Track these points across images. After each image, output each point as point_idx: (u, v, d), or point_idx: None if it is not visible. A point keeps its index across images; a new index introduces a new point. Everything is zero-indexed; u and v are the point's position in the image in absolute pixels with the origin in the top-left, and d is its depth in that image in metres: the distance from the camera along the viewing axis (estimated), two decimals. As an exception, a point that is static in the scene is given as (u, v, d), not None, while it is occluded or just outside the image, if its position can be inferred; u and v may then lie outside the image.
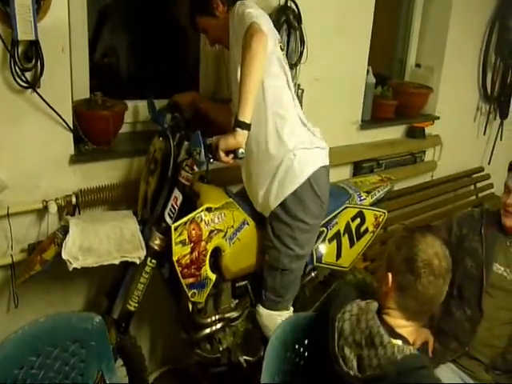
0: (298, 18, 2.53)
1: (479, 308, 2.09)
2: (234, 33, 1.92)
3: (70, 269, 1.71)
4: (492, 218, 2.23)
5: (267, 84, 1.90)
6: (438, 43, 3.71)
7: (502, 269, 2.11)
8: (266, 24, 1.83)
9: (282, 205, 1.98)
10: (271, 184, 1.99)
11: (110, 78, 2.70)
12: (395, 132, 3.56)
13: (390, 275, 1.49)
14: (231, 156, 1.72)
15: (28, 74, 1.85)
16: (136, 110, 2.39)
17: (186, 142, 1.89)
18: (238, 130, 1.69)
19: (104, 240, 1.80)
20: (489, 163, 4.42)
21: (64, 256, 1.70)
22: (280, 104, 1.95)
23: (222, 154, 1.70)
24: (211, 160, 1.74)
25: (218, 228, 1.96)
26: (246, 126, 1.70)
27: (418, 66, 3.82)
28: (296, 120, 2.01)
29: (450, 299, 2.11)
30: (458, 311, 2.14)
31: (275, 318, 2.05)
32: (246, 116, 1.69)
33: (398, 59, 3.91)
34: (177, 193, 1.90)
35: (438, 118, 3.77)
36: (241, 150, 1.70)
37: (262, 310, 2.10)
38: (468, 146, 4.19)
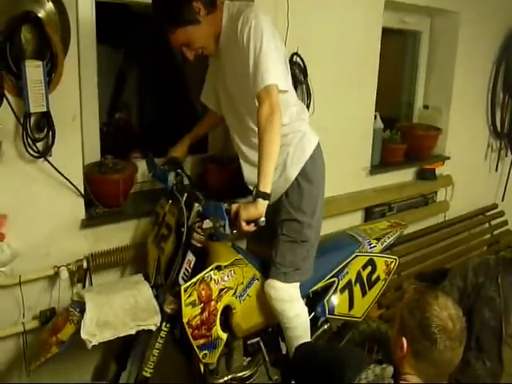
0: (304, 72, 2.57)
1: (499, 360, 2.04)
2: (231, 39, 1.88)
3: (89, 347, 1.70)
4: (509, 266, 2.20)
5: None
6: (444, 84, 3.74)
7: None
8: (275, 52, 1.82)
9: (302, 171, 2.03)
10: (288, 156, 2.02)
11: (121, 137, 2.75)
12: (405, 175, 3.56)
13: (404, 341, 1.47)
14: (252, 225, 1.72)
15: (39, 144, 1.90)
16: (145, 169, 2.41)
17: (196, 204, 1.91)
18: (260, 200, 1.70)
19: (119, 312, 1.79)
20: (502, 200, 4.39)
21: (83, 336, 1.69)
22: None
23: (243, 224, 1.70)
24: (234, 231, 1.73)
25: (227, 286, 1.96)
26: (267, 197, 1.72)
27: (425, 107, 3.84)
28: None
29: (468, 351, 2.06)
30: (477, 363, 2.09)
31: (290, 291, 2.06)
32: (267, 187, 1.72)
33: (406, 101, 3.94)
34: (190, 256, 1.91)
35: (449, 158, 3.76)
36: (262, 219, 1.71)
37: (278, 283, 2.04)
38: (480, 184, 4.18)
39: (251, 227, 1.72)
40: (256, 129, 1.82)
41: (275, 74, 1.77)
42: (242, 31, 1.80)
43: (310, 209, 2.06)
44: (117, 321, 1.77)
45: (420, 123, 3.79)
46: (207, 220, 1.85)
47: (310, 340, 2.15)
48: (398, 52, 3.89)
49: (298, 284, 2.08)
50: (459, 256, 3.70)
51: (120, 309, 1.79)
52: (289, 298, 2.05)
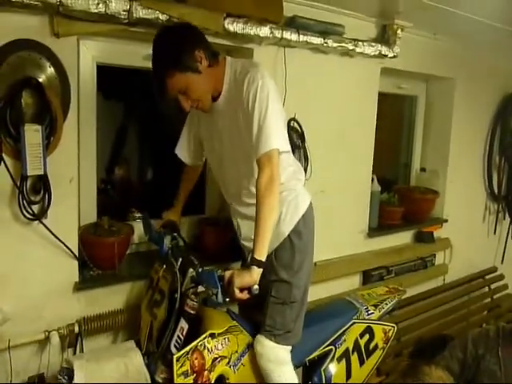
0: (302, 137, 2.61)
1: None
2: (234, 96, 1.87)
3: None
4: (509, 337, 2.15)
5: None
6: (441, 147, 3.79)
7: None
8: (281, 121, 1.85)
9: (294, 228, 2.01)
10: (281, 213, 1.99)
11: (120, 194, 2.76)
12: (403, 238, 3.55)
13: None
14: (245, 292, 1.70)
15: (35, 207, 1.90)
16: (142, 230, 2.39)
17: (190, 269, 1.88)
18: (255, 268, 1.70)
19: (108, 380, 1.74)
20: (502, 262, 4.35)
21: None
22: None
23: (236, 291, 1.68)
24: (227, 300, 1.71)
25: (221, 355, 1.90)
26: (262, 264, 1.71)
27: (423, 169, 3.88)
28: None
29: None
30: None
31: (279, 352, 1.99)
32: (262, 255, 1.71)
33: (403, 163, 3.98)
34: (183, 323, 1.86)
35: (446, 220, 3.77)
36: (255, 287, 1.70)
37: (267, 342, 1.98)
38: (479, 247, 4.15)
39: (244, 295, 1.70)
40: (252, 189, 1.84)
41: (279, 137, 1.79)
42: (248, 90, 1.80)
43: (299, 266, 2.03)
44: (107, 389, 1.72)
45: (417, 186, 3.81)
46: (200, 286, 1.82)
47: None
48: (395, 115, 3.97)
49: (288, 348, 2.02)
50: (459, 320, 3.62)
51: (110, 378, 1.74)
52: (276, 359, 1.98)
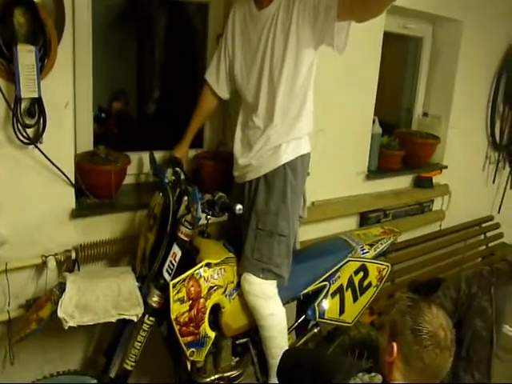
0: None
1: (488, 373, 2.01)
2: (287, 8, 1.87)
3: (66, 327, 1.68)
4: (502, 277, 2.17)
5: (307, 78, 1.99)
6: (445, 92, 3.73)
7: None
8: None
9: (292, 162, 2.02)
10: (282, 143, 2.01)
11: (116, 128, 2.72)
12: (402, 182, 3.54)
13: (394, 345, 1.44)
14: None
15: (30, 131, 1.86)
16: (140, 161, 2.40)
17: (185, 198, 1.89)
18: None
19: (101, 297, 1.76)
20: (498, 212, 4.37)
21: (60, 314, 1.67)
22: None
23: None
24: (209, 216, 1.78)
25: (217, 284, 1.93)
26: None
27: (425, 114, 3.82)
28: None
29: (457, 362, 2.03)
30: (466, 375, 2.06)
31: (266, 287, 2.01)
32: None
33: (405, 108, 3.92)
34: (176, 249, 1.87)
35: (446, 167, 3.75)
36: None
37: (254, 278, 1.99)
38: (477, 195, 4.16)
39: None
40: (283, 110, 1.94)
41: None
42: None
43: (288, 200, 2.02)
44: (98, 305, 1.74)
45: (419, 131, 3.76)
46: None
47: (286, 343, 2.11)
48: (399, 57, 3.87)
49: (274, 282, 2.03)
50: (453, 266, 3.67)
51: (102, 294, 1.76)
52: (263, 295, 2.00)
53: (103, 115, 2.63)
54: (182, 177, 2.13)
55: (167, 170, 2.08)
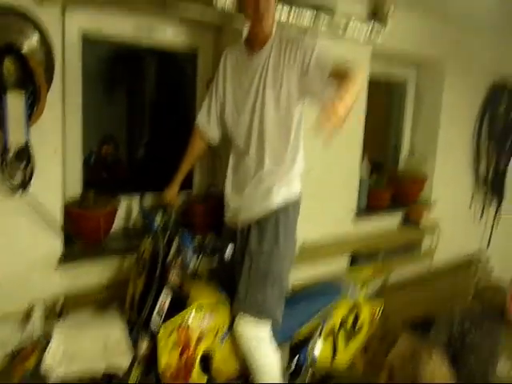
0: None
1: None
2: (278, 55, 1.93)
3: (51, 381, 1.63)
4: (494, 313, 2.17)
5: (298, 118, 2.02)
6: (430, 132, 3.79)
7: (509, 364, 2.03)
8: None
9: (284, 204, 2.03)
10: (274, 186, 2.01)
11: (106, 173, 2.72)
12: (391, 220, 3.55)
13: None
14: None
15: (18, 176, 1.85)
16: (130, 205, 2.39)
17: (175, 241, 1.87)
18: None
19: (89, 346, 1.73)
20: (487, 248, 4.37)
21: (46, 362, 1.63)
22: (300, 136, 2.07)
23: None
24: (199, 259, 1.78)
25: (208, 328, 1.89)
26: None
27: (411, 153, 3.87)
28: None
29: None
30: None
31: (259, 330, 1.97)
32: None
33: (393, 146, 3.96)
34: (166, 293, 1.85)
35: (434, 204, 3.76)
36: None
37: (247, 318, 1.96)
38: (465, 232, 4.17)
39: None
40: (272, 166, 1.99)
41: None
42: (295, 43, 1.91)
43: (281, 242, 2.02)
44: (86, 355, 1.70)
45: (406, 169, 3.81)
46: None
47: None
48: (385, 99, 3.95)
49: (268, 324, 2.00)
50: (445, 303, 3.63)
51: (90, 343, 1.73)
52: (256, 338, 1.96)
53: (92, 160, 2.63)
54: (172, 220, 2.11)
55: (157, 214, 2.06)
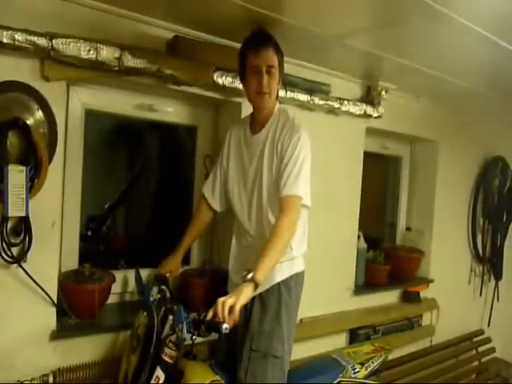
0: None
1: None
2: (275, 137, 1.99)
3: None
4: None
5: None
6: (426, 207, 3.84)
7: None
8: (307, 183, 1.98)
9: (286, 280, 2.01)
10: (282, 263, 1.97)
11: (103, 246, 2.72)
12: (390, 297, 3.51)
13: None
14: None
15: (15, 249, 1.85)
16: (125, 279, 2.36)
17: (170, 317, 1.83)
18: (251, 284, 1.69)
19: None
20: (488, 325, 4.30)
21: None
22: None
23: (226, 310, 1.61)
24: (194, 336, 1.71)
25: (201, 410, 1.82)
26: (257, 287, 1.72)
27: (408, 229, 3.89)
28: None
29: None
30: None
31: None
32: (263, 277, 1.72)
33: (389, 223, 3.99)
34: (159, 372, 1.78)
35: (433, 281, 3.75)
36: (225, 326, 1.62)
37: None
38: (465, 309, 4.12)
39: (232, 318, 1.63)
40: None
41: (306, 189, 1.96)
42: (290, 137, 1.96)
43: (282, 319, 1.98)
44: None
45: (403, 245, 3.81)
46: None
47: None
48: (381, 175, 4.03)
49: None
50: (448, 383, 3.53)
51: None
52: None
53: (89, 233, 2.64)
54: (168, 295, 2.08)
55: (153, 288, 2.03)
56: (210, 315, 1.63)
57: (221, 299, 1.63)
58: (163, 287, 2.07)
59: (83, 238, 2.36)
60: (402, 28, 2.18)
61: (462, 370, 3.76)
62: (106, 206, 2.86)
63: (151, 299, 1.97)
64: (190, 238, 2.28)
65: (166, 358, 1.79)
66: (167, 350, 1.79)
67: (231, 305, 1.61)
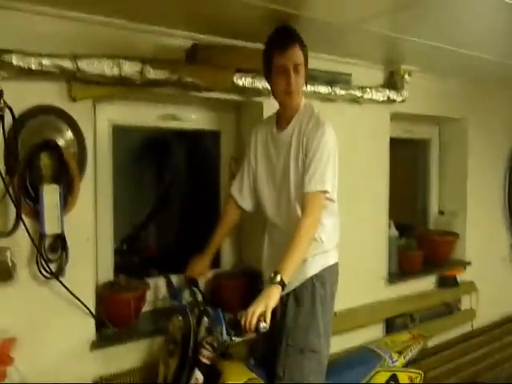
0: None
1: None
2: (301, 133, 1.99)
3: None
4: None
5: None
6: (458, 189, 3.77)
7: None
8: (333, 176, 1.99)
9: (319, 273, 2.02)
10: (314, 256, 2.02)
11: (136, 258, 2.79)
12: (426, 283, 3.47)
13: None
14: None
15: (53, 265, 1.93)
16: (156, 287, 2.42)
17: (205, 319, 1.88)
18: (277, 287, 1.72)
19: None
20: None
21: None
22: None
23: (254, 320, 1.64)
24: (233, 338, 1.72)
25: (239, 408, 1.86)
26: (284, 287, 1.75)
27: (441, 213, 3.84)
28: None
29: None
30: None
31: None
32: (288, 277, 1.76)
33: (420, 208, 3.95)
34: (198, 374, 1.84)
35: (469, 263, 3.68)
36: (263, 324, 1.65)
37: None
38: (506, 290, 4.02)
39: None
40: None
41: (331, 182, 1.96)
42: (315, 133, 1.95)
43: (318, 312, 1.99)
44: None
45: (436, 229, 3.76)
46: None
47: None
48: (409, 160, 3.97)
49: None
50: (492, 368, 3.48)
51: None
52: None
53: (124, 247, 2.71)
54: (200, 297, 2.13)
55: (184, 291, 2.08)
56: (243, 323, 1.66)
57: (251, 309, 1.66)
58: (195, 289, 2.12)
59: (118, 252, 2.42)
60: (418, 7, 2.12)
61: (506, 352, 3.69)
62: (139, 224, 2.94)
63: (184, 302, 2.02)
64: (218, 238, 2.29)
65: (204, 360, 1.85)
66: (204, 352, 1.84)
67: (261, 312, 1.65)
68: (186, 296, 2.07)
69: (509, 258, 4.15)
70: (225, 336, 1.67)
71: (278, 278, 1.73)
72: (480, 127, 3.73)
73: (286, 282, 1.74)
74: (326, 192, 1.94)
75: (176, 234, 2.91)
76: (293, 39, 1.96)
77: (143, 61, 2.05)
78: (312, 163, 1.93)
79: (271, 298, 1.69)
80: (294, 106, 2.03)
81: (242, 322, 1.65)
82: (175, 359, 1.90)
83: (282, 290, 1.74)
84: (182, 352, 1.88)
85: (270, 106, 2.44)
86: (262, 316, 1.65)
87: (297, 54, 1.95)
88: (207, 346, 1.84)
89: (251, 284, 2.31)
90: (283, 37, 1.98)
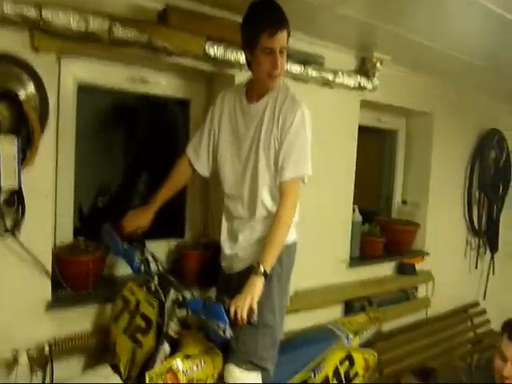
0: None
1: None
2: (275, 110, 1.97)
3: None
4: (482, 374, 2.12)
5: None
6: (421, 180, 3.84)
7: None
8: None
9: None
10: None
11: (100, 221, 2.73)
12: (385, 269, 3.53)
13: None
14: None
15: (8, 220, 1.86)
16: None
17: (171, 291, 1.85)
18: (261, 279, 1.78)
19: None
20: (484, 298, 4.34)
21: None
22: None
23: (245, 313, 1.70)
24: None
25: (197, 377, 1.83)
26: (266, 278, 1.81)
27: (404, 202, 3.90)
28: None
29: None
30: None
31: (250, 380, 1.93)
32: (270, 267, 1.82)
33: (385, 196, 4.00)
34: (166, 346, 1.82)
35: (428, 253, 3.76)
36: (255, 316, 1.70)
37: (237, 371, 1.92)
38: (461, 281, 4.15)
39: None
40: (269, 205, 2.01)
41: (309, 165, 1.97)
42: (292, 112, 1.94)
43: (273, 290, 1.99)
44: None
45: (399, 218, 3.82)
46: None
47: None
48: (376, 148, 4.02)
49: (259, 375, 1.95)
50: (442, 354, 3.57)
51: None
52: None
53: (86, 209, 2.64)
54: (152, 261, 2.03)
55: (136, 252, 2.00)
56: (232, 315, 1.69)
57: (239, 302, 1.70)
58: (148, 257, 2.03)
59: (80, 214, 2.35)
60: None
61: (458, 341, 3.80)
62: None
63: (136, 264, 1.98)
64: (165, 193, 2.18)
65: (173, 334, 1.84)
66: (173, 326, 1.83)
67: (249, 305, 1.70)
68: (137, 258, 1.98)
69: (464, 252, 4.26)
70: (228, 335, 1.66)
71: (262, 269, 1.78)
72: (445, 122, 3.80)
73: (268, 272, 1.80)
74: (302, 178, 1.97)
75: (142, 201, 2.84)
76: (283, 22, 1.89)
77: (112, 18, 1.97)
78: (288, 147, 1.94)
79: (256, 289, 1.75)
80: (272, 86, 2.00)
81: (232, 315, 1.68)
82: (150, 339, 1.83)
83: (265, 279, 1.79)
84: (158, 332, 1.84)
85: (242, 79, 2.42)
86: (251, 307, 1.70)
87: (284, 37, 1.90)
88: (175, 320, 1.83)
89: (214, 256, 2.28)
90: (274, 19, 1.88)
